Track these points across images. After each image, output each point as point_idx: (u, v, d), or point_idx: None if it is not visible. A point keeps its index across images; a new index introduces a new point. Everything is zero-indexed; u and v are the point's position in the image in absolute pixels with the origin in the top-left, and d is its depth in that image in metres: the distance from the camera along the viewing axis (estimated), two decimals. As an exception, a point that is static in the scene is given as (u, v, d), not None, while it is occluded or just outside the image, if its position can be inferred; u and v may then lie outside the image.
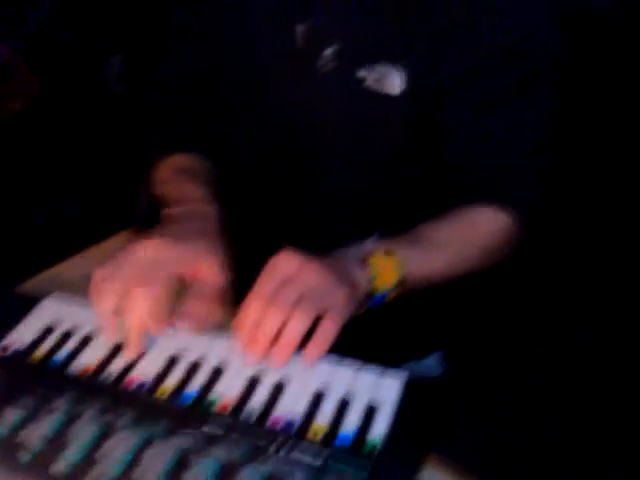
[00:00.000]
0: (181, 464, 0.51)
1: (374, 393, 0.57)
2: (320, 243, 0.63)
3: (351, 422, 0.54)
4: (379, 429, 0.54)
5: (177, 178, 0.79)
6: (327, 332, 0.57)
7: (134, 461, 0.51)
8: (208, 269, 0.63)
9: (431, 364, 0.99)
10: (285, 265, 0.59)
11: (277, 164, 0.83)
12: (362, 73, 0.72)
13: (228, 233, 0.69)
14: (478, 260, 0.73)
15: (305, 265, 0.58)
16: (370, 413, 0.55)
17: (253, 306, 0.57)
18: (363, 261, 0.63)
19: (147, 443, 0.52)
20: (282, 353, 0.57)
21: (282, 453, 0.51)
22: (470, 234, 0.72)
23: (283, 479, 0.49)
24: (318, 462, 0.50)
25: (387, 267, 0.63)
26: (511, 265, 0.79)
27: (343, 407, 0.56)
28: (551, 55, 0.71)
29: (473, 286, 0.92)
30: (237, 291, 0.63)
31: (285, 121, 0.79)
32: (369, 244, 0.65)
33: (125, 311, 0.59)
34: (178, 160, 0.84)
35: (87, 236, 0.88)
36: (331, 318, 0.57)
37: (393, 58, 0.70)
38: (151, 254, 0.61)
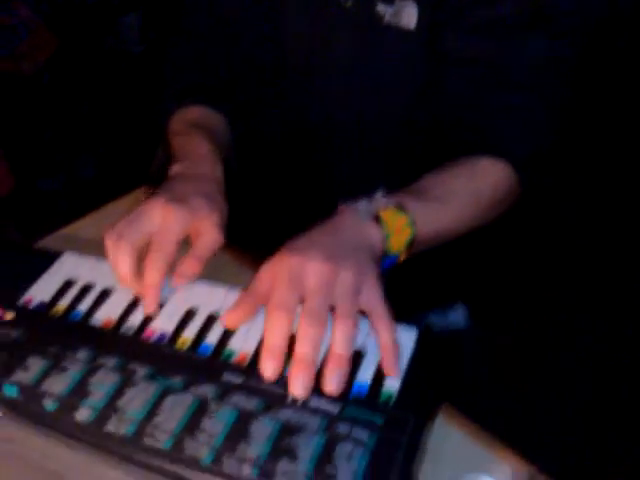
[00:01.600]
0: (200, 411, 0.52)
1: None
2: (329, 192, 0.63)
3: (366, 372, 0.55)
4: (394, 379, 0.54)
5: (187, 131, 0.79)
6: (387, 336, 0.55)
7: (155, 408, 0.53)
8: (206, 230, 0.64)
9: (456, 319, 0.99)
10: (302, 269, 0.55)
11: (288, 107, 0.83)
12: (381, 8, 0.71)
13: (238, 191, 0.70)
14: (484, 212, 0.72)
15: (325, 264, 0.55)
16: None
17: (278, 321, 0.53)
18: (376, 218, 0.61)
19: (167, 391, 0.54)
20: (339, 370, 0.52)
21: (299, 402, 0.52)
22: (476, 185, 0.71)
23: (300, 427, 0.50)
24: (335, 409, 0.52)
25: (400, 224, 0.62)
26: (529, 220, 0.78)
27: (358, 358, 0.56)
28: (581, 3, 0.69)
29: (490, 236, 0.91)
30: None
31: (300, 61, 0.79)
32: (379, 199, 0.62)
33: (142, 272, 0.61)
34: (192, 113, 0.84)
35: (103, 195, 0.89)
36: (377, 316, 0.55)
37: None
38: (158, 216, 0.63)
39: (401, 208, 0.63)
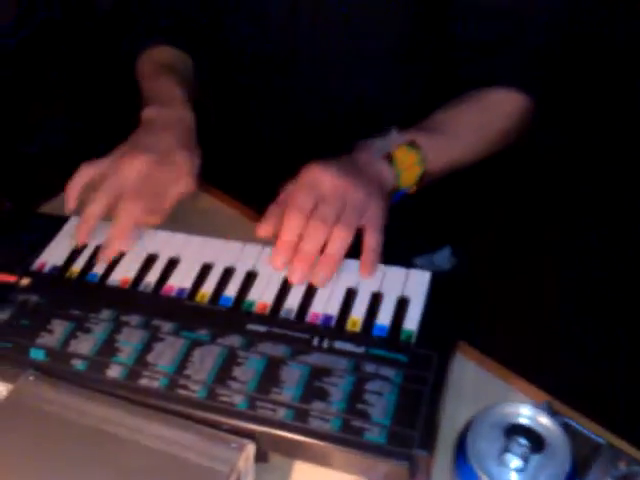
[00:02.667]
0: (230, 361, 0.54)
1: (404, 287, 0.59)
2: (321, 148, 0.64)
3: (385, 314, 0.57)
4: (412, 319, 0.56)
5: (157, 74, 0.79)
6: (374, 243, 0.59)
7: (185, 361, 0.54)
8: (181, 176, 0.67)
9: (441, 261, 1.02)
10: (320, 179, 0.60)
11: (273, 59, 0.82)
12: None
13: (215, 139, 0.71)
14: (497, 143, 0.74)
15: (341, 179, 0.59)
16: (402, 305, 0.58)
17: (294, 220, 0.58)
18: (388, 155, 0.64)
19: (195, 344, 0.55)
20: (328, 268, 0.58)
21: (325, 344, 0.54)
22: (488, 117, 0.73)
23: (328, 369, 0.52)
24: (360, 350, 0.53)
25: (411, 161, 0.65)
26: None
27: (376, 300, 0.58)
28: None
29: (477, 182, 0.93)
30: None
31: (284, 11, 0.78)
32: (392, 136, 0.65)
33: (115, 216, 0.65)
34: (161, 53, 0.84)
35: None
36: (372, 229, 0.59)
37: None
38: (136, 170, 0.65)
39: (413, 145, 0.65)
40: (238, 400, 0.51)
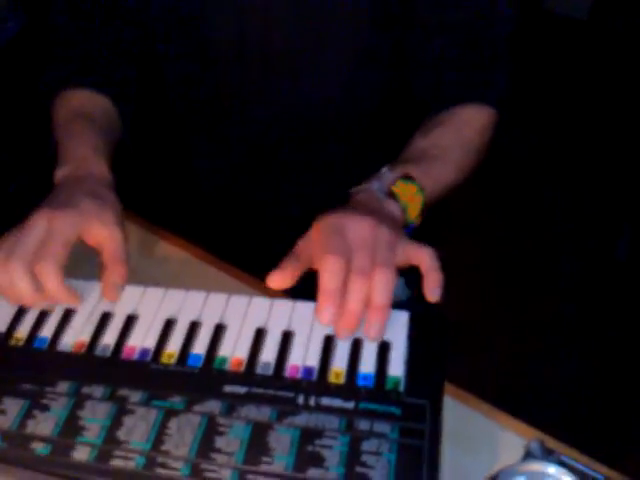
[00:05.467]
0: (211, 430, 0.50)
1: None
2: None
3: (368, 361, 0.54)
4: (397, 364, 0.54)
5: (71, 124, 0.74)
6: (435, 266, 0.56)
7: (161, 434, 0.50)
8: (100, 231, 0.61)
9: (397, 292, 1.00)
10: (342, 223, 0.56)
11: (222, 82, 0.79)
12: None
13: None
14: (476, 159, 0.75)
15: (364, 220, 0.56)
16: (384, 350, 0.55)
17: (335, 265, 0.53)
18: (390, 193, 0.62)
19: (170, 414, 0.51)
20: (381, 319, 0.53)
21: (311, 402, 0.51)
22: (466, 136, 0.73)
23: (320, 430, 0.49)
24: (350, 405, 0.51)
25: (412, 192, 0.63)
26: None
27: (356, 347, 0.56)
28: None
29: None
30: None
31: (233, 26, 0.74)
32: (386, 174, 0.64)
33: (41, 286, 0.58)
34: (76, 99, 0.78)
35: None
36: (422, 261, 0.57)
37: None
38: (44, 225, 0.59)
39: (408, 178, 0.64)
40: (227, 475, 0.47)
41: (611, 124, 2.28)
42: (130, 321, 0.59)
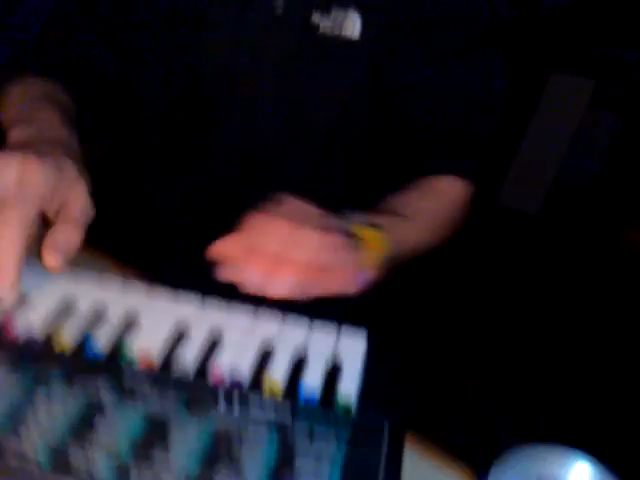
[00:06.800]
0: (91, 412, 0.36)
1: (334, 351, 0.46)
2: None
3: (312, 381, 0.43)
4: (348, 390, 0.42)
5: (30, 103, 0.63)
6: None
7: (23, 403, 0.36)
8: (76, 196, 0.50)
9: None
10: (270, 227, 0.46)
11: (195, 116, 0.72)
12: (316, 18, 0.65)
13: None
14: (445, 231, 0.69)
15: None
16: (334, 372, 0.44)
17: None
18: (349, 232, 0.53)
19: (38, 381, 0.38)
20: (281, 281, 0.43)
21: (235, 409, 0.38)
22: (440, 205, 0.68)
23: (240, 437, 0.36)
24: (286, 419, 0.38)
25: (374, 238, 0.55)
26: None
27: (299, 363, 0.44)
28: (499, 20, 0.69)
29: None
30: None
31: (220, 70, 0.69)
32: (351, 216, 0.55)
33: None
34: (34, 86, 0.67)
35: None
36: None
37: (346, 2, 0.64)
38: (14, 171, 0.47)
39: (375, 225, 0.56)
40: (101, 469, 0.33)
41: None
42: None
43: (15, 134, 0.55)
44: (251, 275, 0.43)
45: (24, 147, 0.51)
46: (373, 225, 0.56)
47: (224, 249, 0.45)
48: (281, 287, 0.43)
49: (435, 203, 0.69)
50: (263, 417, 0.38)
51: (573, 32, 2.65)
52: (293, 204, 0.49)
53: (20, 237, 0.44)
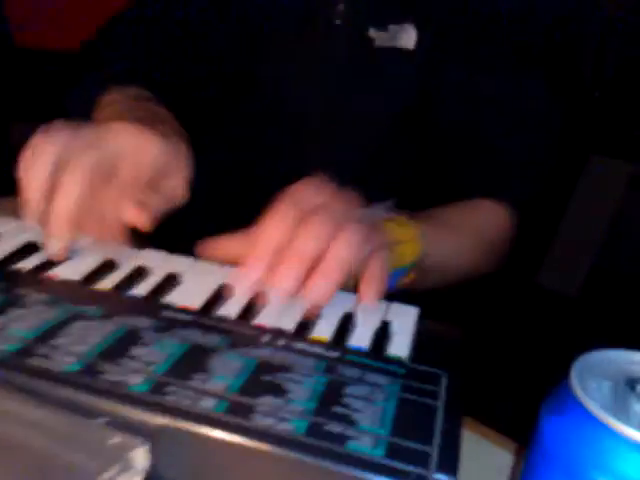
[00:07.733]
0: (128, 340, 0.34)
1: (386, 315, 0.43)
2: None
3: (361, 338, 0.40)
4: (400, 348, 0.39)
5: (135, 100, 0.62)
6: (381, 267, 0.42)
7: (55, 330, 0.34)
8: (176, 176, 0.49)
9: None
10: (310, 193, 0.43)
11: (263, 128, 0.72)
12: (372, 33, 0.65)
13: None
14: (485, 254, 0.65)
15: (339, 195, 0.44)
16: (384, 331, 0.41)
17: (274, 227, 0.40)
18: (381, 227, 0.49)
19: (75, 317, 0.35)
20: (325, 282, 0.39)
21: (281, 341, 0.36)
22: (480, 225, 0.65)
23: (285, 366, 0.33)
24: (334, 354, 0.35)
25: (408, 236, 0.52)
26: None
27: (347, 321, 0.41)
28: (553, 44, 0.68)
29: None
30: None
31: (278, 80, 0.69)
32: (388, 206, 0.52)
33: (56, 190, 0.43)
34: (130, 90, 0.66)
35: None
36: (379, 257, 0.43)
37: (401, 18, 0.65)
38: (130, 139, 0.46)
39: (409, 222, 0.53)
40: (135, 381, 0.31)
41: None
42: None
43: (129, 115, 0.54)
44: (284, 279, 0.39)
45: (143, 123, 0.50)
46: (405, 223, 0.53)
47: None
48: (322, 292, 0.39)
49: (476, 221, 0.66)
50: (307, 350, 0.35)
51: (613, 115, 2.66)
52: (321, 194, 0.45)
53: (84, 184, 0.42)
